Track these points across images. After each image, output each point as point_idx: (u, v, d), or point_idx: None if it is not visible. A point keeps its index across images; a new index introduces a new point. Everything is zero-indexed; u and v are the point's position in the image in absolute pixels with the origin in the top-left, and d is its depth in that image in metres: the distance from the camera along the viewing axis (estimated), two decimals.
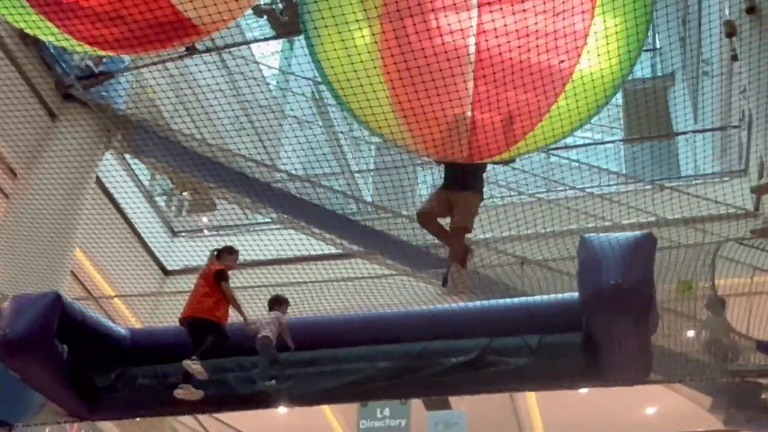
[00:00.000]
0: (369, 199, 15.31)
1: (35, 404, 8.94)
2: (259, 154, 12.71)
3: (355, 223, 12.37)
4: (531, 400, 15.22)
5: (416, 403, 13.15)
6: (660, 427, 14.38)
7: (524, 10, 5.56)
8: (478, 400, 11.06)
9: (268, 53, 18.74)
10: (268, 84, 17.95)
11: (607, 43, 5.89)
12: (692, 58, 17.01)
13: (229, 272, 8.21)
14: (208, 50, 11.90)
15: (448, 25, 5.55)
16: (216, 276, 7.98)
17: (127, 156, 14.16)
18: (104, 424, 12.73)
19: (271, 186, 12.32)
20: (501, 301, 9.15)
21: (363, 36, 5.85)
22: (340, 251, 13.08)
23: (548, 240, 11.36)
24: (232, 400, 8.28)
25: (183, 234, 16.94)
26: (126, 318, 14.21)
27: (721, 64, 13.90)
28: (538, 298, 8.77)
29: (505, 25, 5.52)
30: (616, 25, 5.90)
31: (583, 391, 10.75)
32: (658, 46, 20.12)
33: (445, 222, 7.67)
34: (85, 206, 12.41)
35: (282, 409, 10.92)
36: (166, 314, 14.34)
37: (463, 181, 7.48)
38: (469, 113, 6.05)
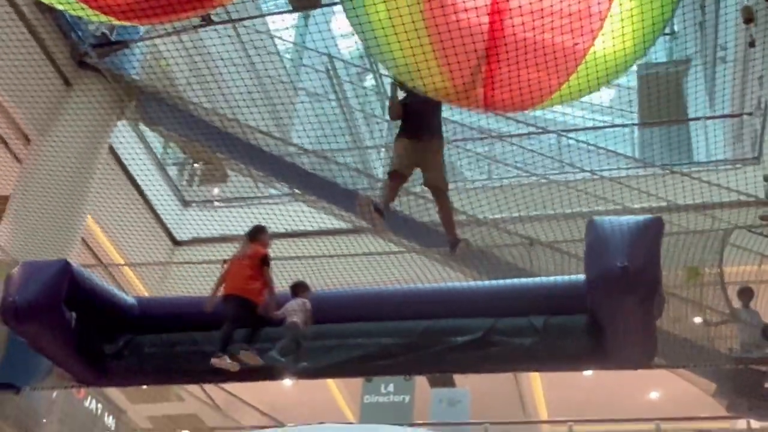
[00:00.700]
0: (381, 175, 15.26)
1: (42, 369, 9.03)
2: (271, 127, 12.69)
3: None
4: (535, 381, 15.30)
5: (420, 380, 13.19)
6: (663, 411, 14.41)
7: None
8: (482, 379, 11.06)
9: (283, 27, 18.60)
10: (281, 58, 17.88)
11: (622, 27, 5.86)
12: (709, 44, 16.92)
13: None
14: (222, 22, 11.88)
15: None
16: (263, 260, 7.96)
17: (140, 125, 14.17)
18: (111, 390, 12.81)
19: (283, 160, 12.29)
20: (508, 281, 9.14)
21: None
22: (349, 227, 13.05)
23: (558, 222, 11.34)
24: (239, 371, 8.32)
25: (194, 205, 17.00)
26: (135, 287, 14.33)
27: (738, 51, 13.82)
28: (544, 279, 8.78)
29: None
30: (632, 9, 5.86)
31: (588, 373, 10.80)
32: (675, 30, 19.97)
33: None
34: (97, 174, 12.44)
35: (287, 382, 10.99)
36: (175, 284, 14.45)
37: (429, 126, 7.46)
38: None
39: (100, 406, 12.39)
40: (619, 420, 13.80)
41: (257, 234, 8.23)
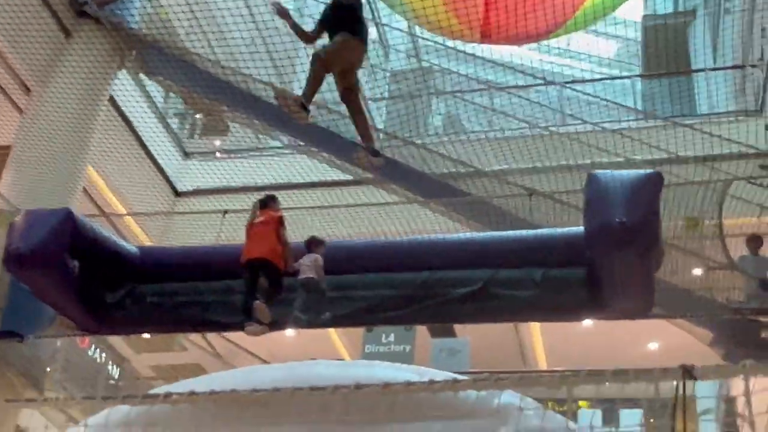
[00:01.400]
0: (381, 126, 15.23)
1: (46, 317, 9.08)
2: (273, 77, 12.61)
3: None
4: (535, 331, 15.41)
5: (421, 330, 13.35)
6: (661, 362, 14.55)
7: None
8: (482, 328, 11.18)
9: None
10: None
11: None
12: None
13: None
14: None
15: None
16: (280, 221, 8.07)
17: (140, 75, 14.08)
18: (115, 340, 12.94)
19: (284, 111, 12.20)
20: (507, 232, 9.17)
21: None
22: (350, 178, 13.06)
23: (561, 173, 11.36)
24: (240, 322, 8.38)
25: (195, 156, 16.99)
26: (137, 237, 14.37)
27: (744, 1, 13.71)
28: (544, 230, 8.80)
29: None
30: None
31: (587, 324, 10.84)
32: None
33: None
34: (97, 124, 12.41)
35: (289, 332, 11.04)
36: (177, 234, 14.54)
37: (352, 30, 7.21)
38: None
39: (104, 355, 12.54)
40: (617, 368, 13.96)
41: (269, 202, 8.34)
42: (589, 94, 14.82)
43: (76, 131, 11.80)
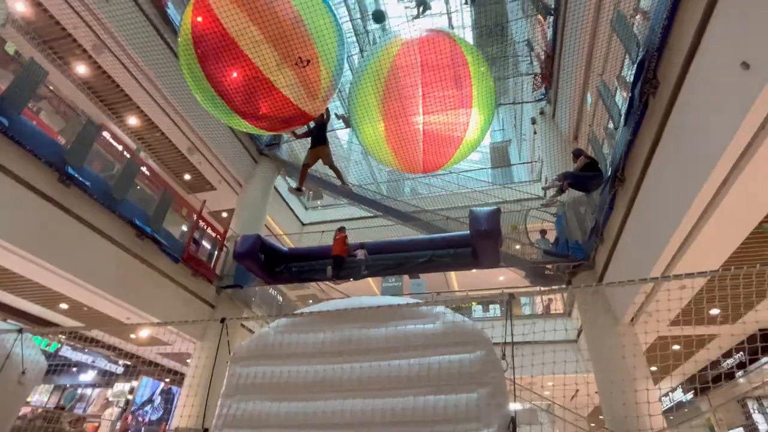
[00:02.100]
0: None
1: (251, 277, 9.11)
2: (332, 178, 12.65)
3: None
4: (452, 275, 15.22)
5: (405, 277, 13.20)
6: (504, 284, 14.33)
7: (445, 114, 5.58)
8: (430, 275, 11.08)
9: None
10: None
11: (473, 133, 5.91)
12: (518, 132, 16.88)
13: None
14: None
15: (407, 119, 5.56)
16: (345, 238, 8.05)
17: (286, 177, 14.06)
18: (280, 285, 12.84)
19: (353, 195, 11.33)
20: (439, 234, 9.05)
21: (374, 126, 5.89)
22: (372, 214, 12.51)
23: (460, 209, 11.28)
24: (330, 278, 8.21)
25: (309, 208, 16.91)
26: (287, 243, 14.36)
27: (530, 134, 13.74)
28: (453, 233, 8.70)
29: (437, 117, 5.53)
30: (480, 117, 5.88)
31: (473, 271, 10.74)
32: (503, 128, 19.76)
33: None
34: (269, 198, 11.96)
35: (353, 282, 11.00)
36: (303, 242, 14.43)
37: (321, 141, 6.62)
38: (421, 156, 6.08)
39: (275, 292, 12.42)
40: (486, 289, 13.87)
41: (341, 229, 8.25)
42: (471, 177, 14.82)
43: (262, 201, 11.66)
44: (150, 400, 13.30)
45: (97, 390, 14.31)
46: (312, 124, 6.73)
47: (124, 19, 7.84)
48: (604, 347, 7.19)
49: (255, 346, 3.88)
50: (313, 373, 3.50)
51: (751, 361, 8.20)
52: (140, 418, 12.95)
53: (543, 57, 10.10)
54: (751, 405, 9.43)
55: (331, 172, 9.28)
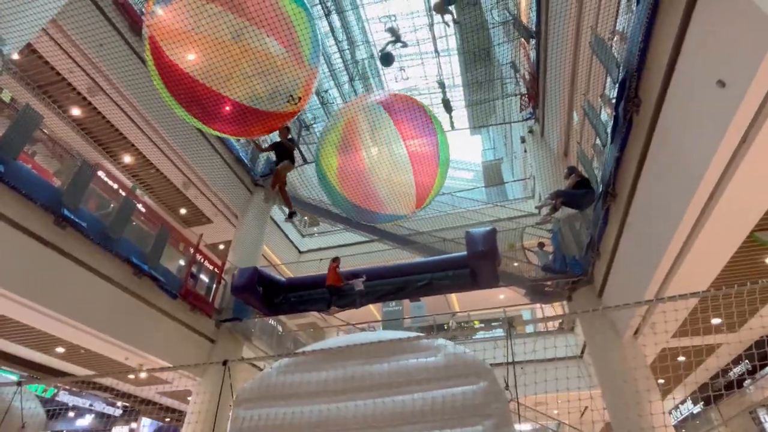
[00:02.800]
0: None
1: (249, 310, 9.01)
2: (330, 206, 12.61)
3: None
4: (452, 296, 15.10)
5: (405, 301, 13.08)
6: (505, 302, 14.25)
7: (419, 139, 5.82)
8: (430, 298, 10.98)
9: None
10: None
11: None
12: (509, 150, 17.09)
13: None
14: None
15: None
16: (336, 268, 7.96)
17: (282, 206, 14.02)
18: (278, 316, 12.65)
19: (348, 221, 11.11)
20: (437, 257, 9.03)
21: (330, 163, 5.99)
22: (369, 238, 12.56)
23: (456, 231, 11.27)
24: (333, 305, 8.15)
25: (306, 235, 16.86)
26: (285, 273, 14.23)
27: (522, 155, 13.92)
28: (451, 255, 8.69)
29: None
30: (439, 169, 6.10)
31: (474, 291, 10.68)
32: (494, 147, 20.00)
33: None
34: (265, 228, 11.90)
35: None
36: (301, 271, 14.33)
37: (287, 157, 6.62)
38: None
39: (275, 323, 12.25)
40: (487, 309, 13.77)
41: (334, 259, 8.18)
42: (465, 198, 14.88)
43: (259, 231, 11.55)
44: None
45: None
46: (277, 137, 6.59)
47: (117, 60, 7.93)
48: (609, 362, 7.11)
49: (258, 388, 3.82)
50: (317, 413, 3.45)
51: (761, 367, 8.09)
52: None
53: (528, 78, 10.33)
54: (762, 415, 9.27)
55: (325, 198, 9.32)
